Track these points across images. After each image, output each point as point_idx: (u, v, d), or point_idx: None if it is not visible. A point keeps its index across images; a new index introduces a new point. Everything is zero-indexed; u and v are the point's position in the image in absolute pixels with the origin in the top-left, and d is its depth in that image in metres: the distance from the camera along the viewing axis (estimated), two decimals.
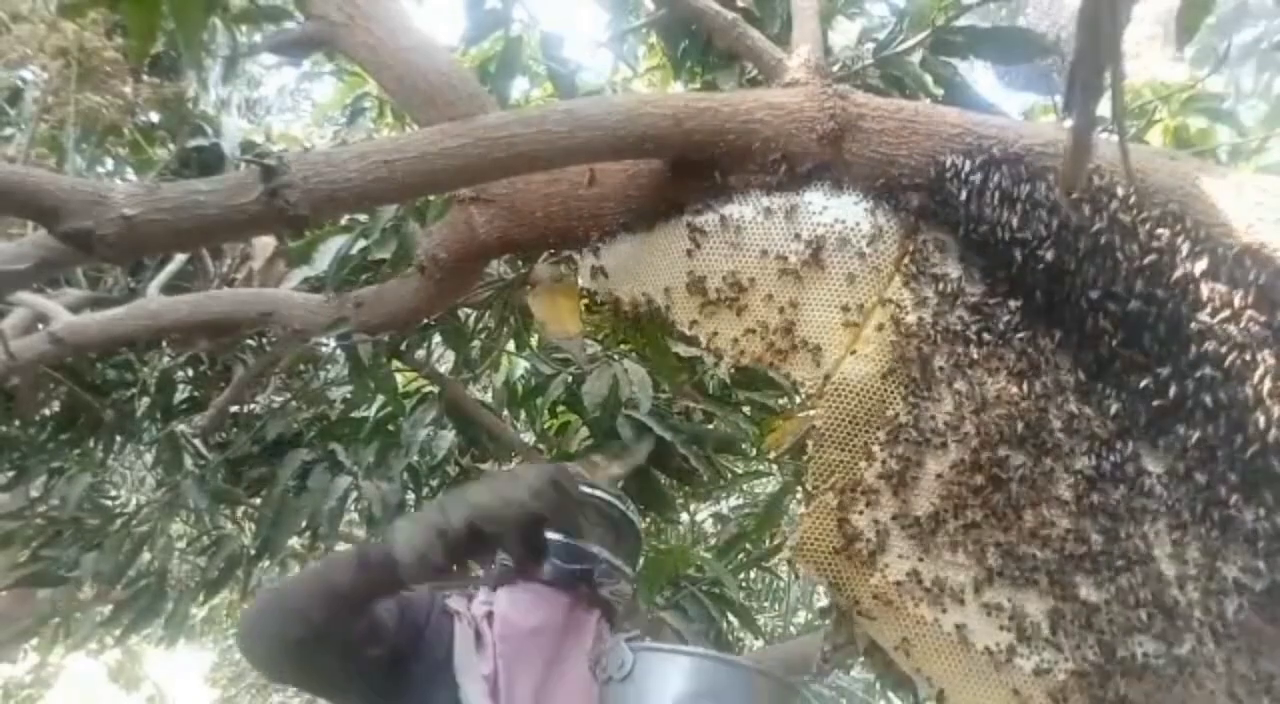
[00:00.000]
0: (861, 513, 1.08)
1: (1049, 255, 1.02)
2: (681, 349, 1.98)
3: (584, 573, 1.48)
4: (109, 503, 3.11)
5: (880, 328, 1.11)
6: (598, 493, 1.64)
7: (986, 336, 1.08)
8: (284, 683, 1.40)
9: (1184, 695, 0.98)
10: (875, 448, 1.09)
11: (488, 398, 2.94)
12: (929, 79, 1.98)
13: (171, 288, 2.30)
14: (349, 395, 2.74)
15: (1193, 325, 0.96)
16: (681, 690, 1.20)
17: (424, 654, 1.41)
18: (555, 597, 1.47)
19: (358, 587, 1.25)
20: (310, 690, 1.42)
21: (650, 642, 1.32)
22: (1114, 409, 1.03)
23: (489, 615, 1.47)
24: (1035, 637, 1.02)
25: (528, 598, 1.47)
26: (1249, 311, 0.94)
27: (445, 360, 2.83)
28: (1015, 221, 1.03)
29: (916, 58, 1.98)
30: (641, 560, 1.67)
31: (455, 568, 1.18)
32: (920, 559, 1.06)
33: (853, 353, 1.11)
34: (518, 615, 1.46)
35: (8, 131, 2.68)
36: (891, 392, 1.09)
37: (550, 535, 1.47)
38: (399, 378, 2.71)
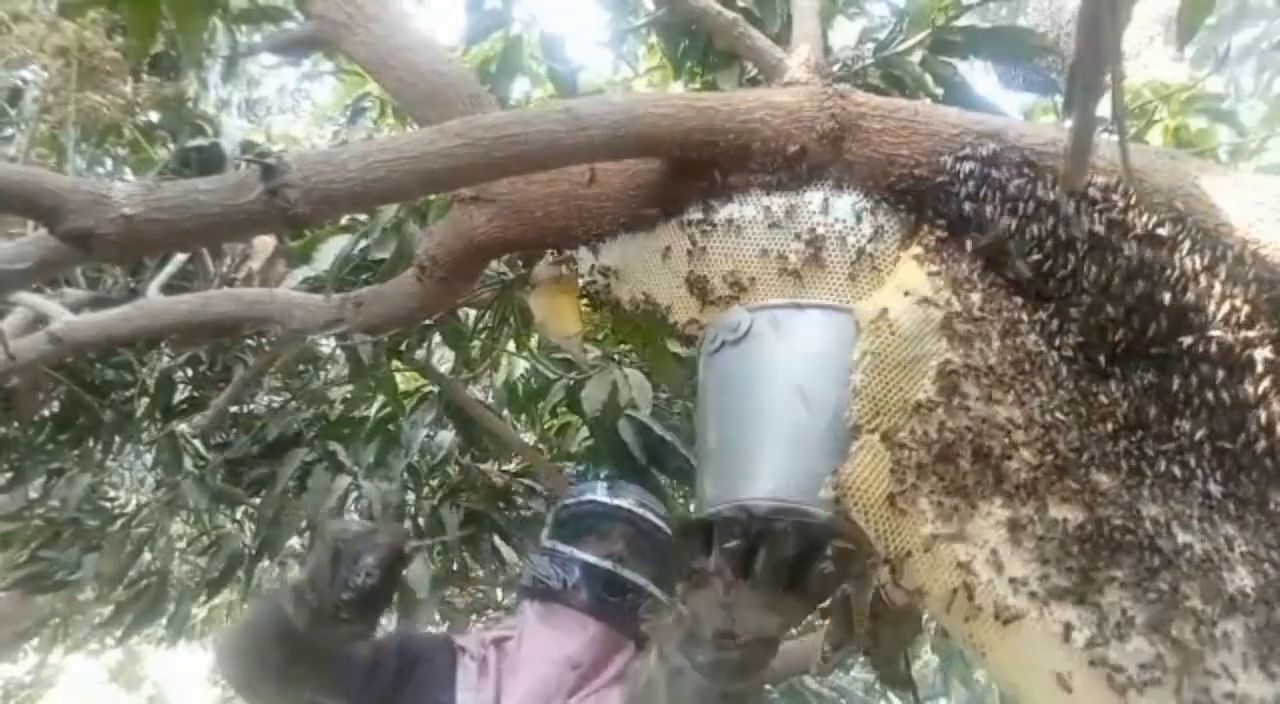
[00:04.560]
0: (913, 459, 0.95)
1: (1049, 254, 1.02)
2: (682, 349, 1.98)
3: (630, 605, 1.41)
4: (108, 504, 3.10)
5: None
6: (647, 511, 1.55)
7: (985, 336, 1.07)
8: None
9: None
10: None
11: (488, 398, 2.94)
12: (929, 79, 1.99)
13: (171, 288, 2.30)
14: (349, 395, 2.74)
15: (1193, 324, 0.96)
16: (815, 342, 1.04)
17: (418, 687, 1.41)
18: (584, 623, 1.42)
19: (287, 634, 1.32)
20: None
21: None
22: (1117, 412, 1.03)
23: (497, 641, 1.45)
24: (1094, 607, 0.92)
25: (555, 621, 1.43)
26: (1248, 310, 0.94)
27: (445, 360, 2.83)
28: (1015, 221, 1.03)
29: (916, 58, 1.99)
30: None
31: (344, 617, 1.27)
32: (972, 518, 0.94)
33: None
34: (541, 639, 1.42)
35: (8, 131, 2.68)
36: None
37: (595, 560, 1.44)
38: (399, 378, 2.71)
